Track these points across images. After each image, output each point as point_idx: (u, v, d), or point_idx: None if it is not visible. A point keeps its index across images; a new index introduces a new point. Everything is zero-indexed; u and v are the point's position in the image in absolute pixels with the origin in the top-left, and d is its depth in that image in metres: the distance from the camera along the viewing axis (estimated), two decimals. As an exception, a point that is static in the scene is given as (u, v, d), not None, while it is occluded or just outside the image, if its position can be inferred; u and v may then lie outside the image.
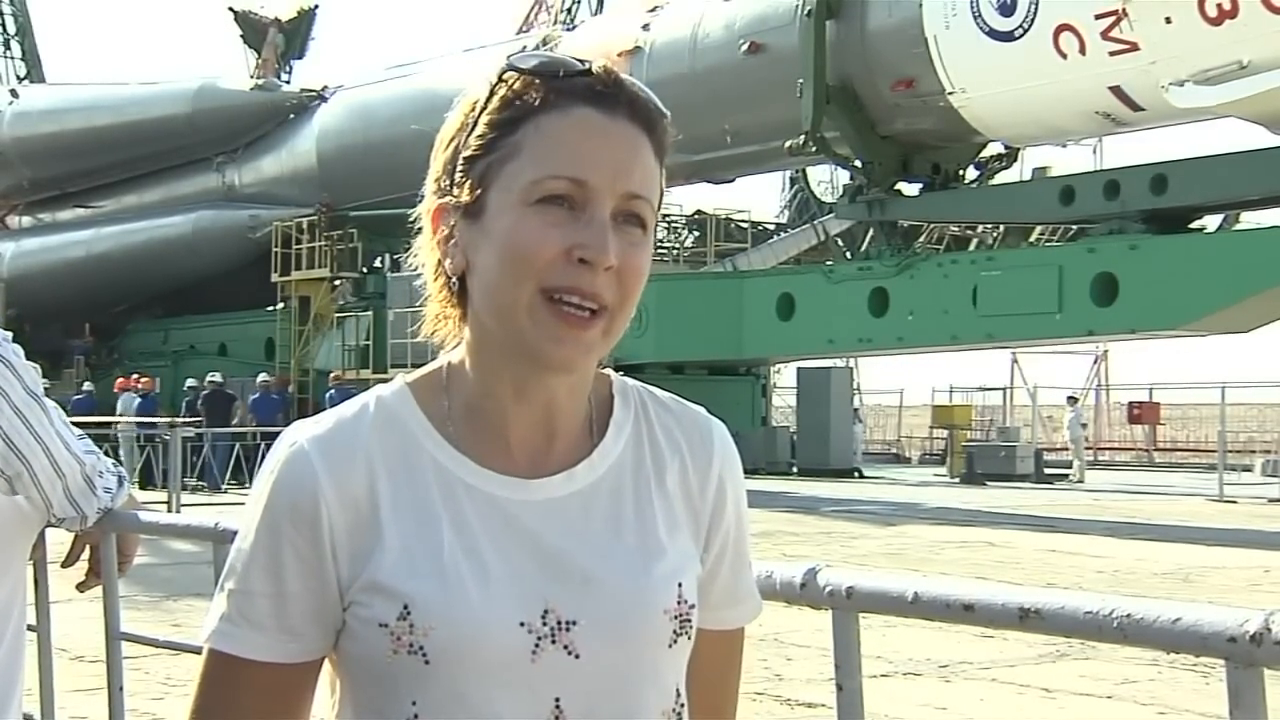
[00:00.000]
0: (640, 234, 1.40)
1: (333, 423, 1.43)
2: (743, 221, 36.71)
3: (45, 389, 2.75)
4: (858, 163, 23.03)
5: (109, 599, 3.44)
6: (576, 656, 1.37)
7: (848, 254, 30.99)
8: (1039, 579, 11.44)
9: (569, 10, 45.12)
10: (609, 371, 1.52)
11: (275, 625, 1.40)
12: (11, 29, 51.85)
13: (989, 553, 13.87)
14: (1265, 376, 51.75)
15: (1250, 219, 21.50)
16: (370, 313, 30.87)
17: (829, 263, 28.40)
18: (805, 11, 22.46)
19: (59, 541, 3.15)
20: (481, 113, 1.41)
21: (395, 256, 30.30)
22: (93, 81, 42.63)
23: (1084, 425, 32.56)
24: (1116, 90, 19.46)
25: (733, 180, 28.73)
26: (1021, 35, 20.06)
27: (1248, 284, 18.66)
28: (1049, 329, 21.51)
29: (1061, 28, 19.54)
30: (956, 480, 28.30)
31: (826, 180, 35.08)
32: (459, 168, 1.42)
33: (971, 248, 29.23)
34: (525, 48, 1.57)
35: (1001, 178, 24.28)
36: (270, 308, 34.17)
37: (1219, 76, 18.04)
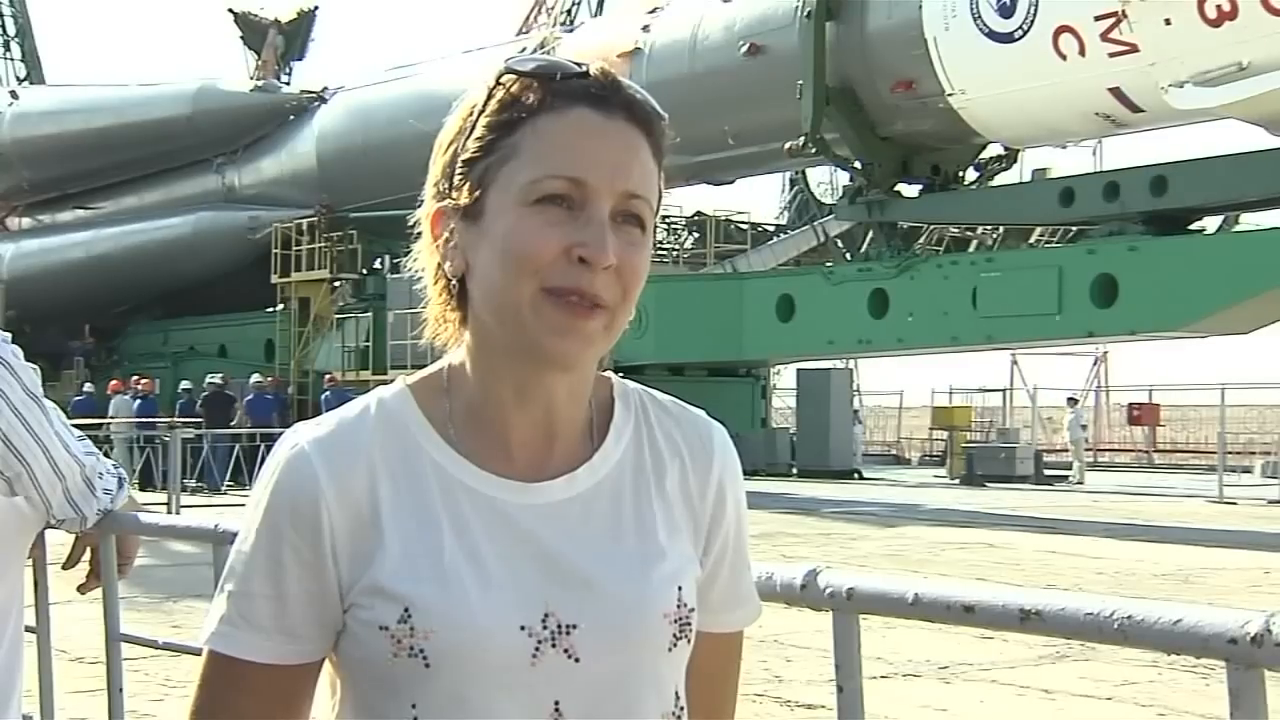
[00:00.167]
0: (639, 234, 1.40)
1: (334, 424, 1.43)
2: (742, 223, 36.73)
3: (44, 390, 2.75)
4: (857, 164, 23.03)
5: (109, 600, 3.44)
6: (576, 660, 1.37)
7: (847, 255, 30.98)
8: (1039, 580, 11.45)
9: (569, 12, 45.11)
10: (610, 374, 1.52)
11: (275, 627, 1.40)
12: (11, 30, 51.85)
13: (989, 554, 13.87)
14: (1265, 378, 51.71)
15: (1250, 220, 21.52)
16: (370, 314, 30.87)
17: (829, 264, 28.41)
18: (805, 13, 22.46)
19: (59, 543, 3.14)
20: (479, 116, 1.41)
21: (395, 259, 30.28)
22: (93, 83, 42.62)
23: (1084, 426, 32.54)
24: (1116, 92, 19.46)
25: (732, 181, 28.75)
26: (1021, 37, 20.06)
27: (1247, 285, 18.66)
28: (1049, 330, 21.51)
29: (1061, 29, 19.55)
30: (956, 481, 28.29)
31: (826, 182, 35.08)
32: (458, 171, 1.42)
33: (971, 249, 29.27)
34: (525, 50, 1.57)
35: (1001, 179, 24.29)
36: (270, 309, 34.19)
37: (1218, 78, 18.05)
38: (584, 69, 1.41)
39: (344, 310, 32.38)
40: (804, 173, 35.32)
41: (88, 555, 3.18)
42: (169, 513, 14.21)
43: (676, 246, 35.75)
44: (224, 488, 23.14)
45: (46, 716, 3.67)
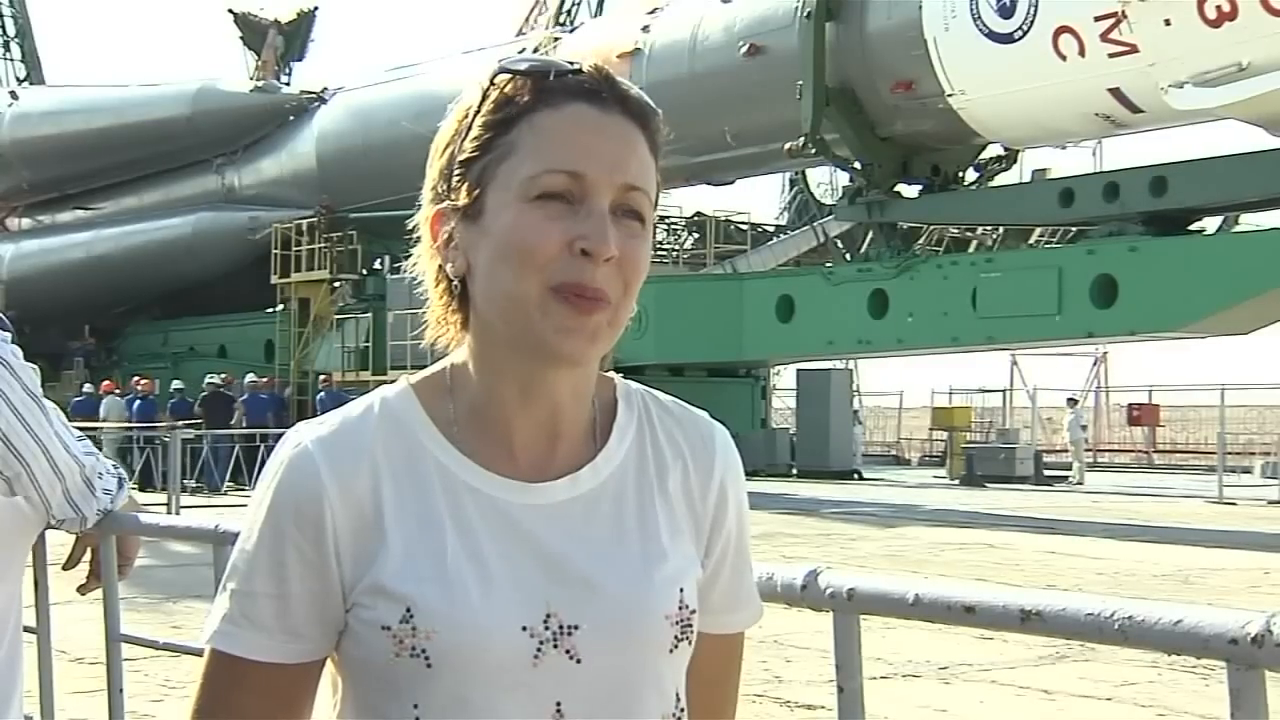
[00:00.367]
0: (639, 226, 1.40)
1: (337, 424, 1.43)
2: (742, 223, 36.70)
3: (44, 390, 2.75)
4: (857, 164, 23.03)
5: (109, 601, 3.44)
6: (578, 661, 1.37)
7: (847, 256, 30.96)
8: (1039, 581, 11.45)
9: (569, 12, 45.08)
10: (613, 375, 1.52)
11: (277, 626, 1.40)
12: (11, 31, 51.82)
13: (988, 554, 13.87)
14: (1265, 378, 51.73)
15: (1250, 221, 21.52)
16: (370, 315, 30.86)
17: (829, 264, 28.41)
18: (804, 13, 22.46)
19: (59, 543, 3.14)
20: (475, 116, 1.42)
21: (395, 260, 30.29)
22: (92, 83, 42.64)
23: (1084, 427, 32.54)
24: (1116, 92, 19.46)
25: (732, 182, 28.75)
26: (1021, 37, 20.06)
27: (1247, 286, 18.67)
28: (1049, 331, 21.51)
29: (1061, 29, 19.55)
30: (956, 482, 28.29)
31: (826, 182, 35.04)
32: (455, 171, 1.42)
33: (971, 249, 29.23)
34: (523, 50, 1.58)
35: (1001, 179, 24.29)
36: (270, 310, 34.17)
37: (1218, 78, 18.04)
38: (578, 66, 1.41)
39: (344, 311, 32.36)
40: (804, 173, 35.30)
41: (88, 556, 3.17)
42: (169, 513, 14.22)
43: (676, 247, 35.72)
44: (224, 488, 23.16)
45: (47, 717, 3.67)
